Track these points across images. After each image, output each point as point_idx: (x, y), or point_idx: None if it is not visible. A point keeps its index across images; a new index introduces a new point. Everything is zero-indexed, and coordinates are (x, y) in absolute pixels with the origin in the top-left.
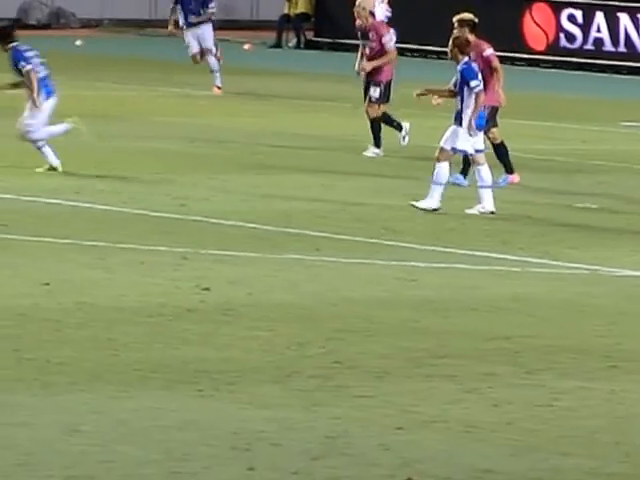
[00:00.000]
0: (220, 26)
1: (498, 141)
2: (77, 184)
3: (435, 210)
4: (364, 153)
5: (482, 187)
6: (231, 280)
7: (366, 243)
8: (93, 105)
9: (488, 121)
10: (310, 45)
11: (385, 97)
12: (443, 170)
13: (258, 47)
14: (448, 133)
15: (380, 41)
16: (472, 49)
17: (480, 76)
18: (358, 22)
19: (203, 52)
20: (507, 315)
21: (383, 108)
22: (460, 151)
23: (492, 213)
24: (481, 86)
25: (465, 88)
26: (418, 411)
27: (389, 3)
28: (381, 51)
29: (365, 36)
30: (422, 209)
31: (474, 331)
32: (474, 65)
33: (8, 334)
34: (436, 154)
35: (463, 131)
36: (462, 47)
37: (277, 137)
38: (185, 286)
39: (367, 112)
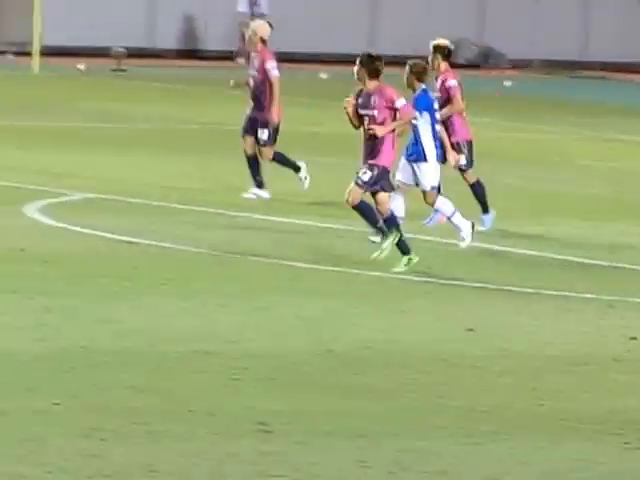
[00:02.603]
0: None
1: (473, 181)
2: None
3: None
4: (244, 195)
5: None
6: None
7: None
8: (515, 148)
9: (470, 159)
10: None
11: (273, 139)
12: (444, 203)
13: None
14: (423, 175)
15: (263, 68)
16: (440, 76)
17: (428, 108)
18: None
19: None
20: None
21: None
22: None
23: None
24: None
25: (420, 117)
26: None
27: None
28: (264, 81)
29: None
30: (468, 245)
31: None
32: (431, 96)
33: (433, 381)
34: (426, 200)
35: (427, 165)
36: (420, 74)
37: None
38: (611, 335)
39: (260, 156)
